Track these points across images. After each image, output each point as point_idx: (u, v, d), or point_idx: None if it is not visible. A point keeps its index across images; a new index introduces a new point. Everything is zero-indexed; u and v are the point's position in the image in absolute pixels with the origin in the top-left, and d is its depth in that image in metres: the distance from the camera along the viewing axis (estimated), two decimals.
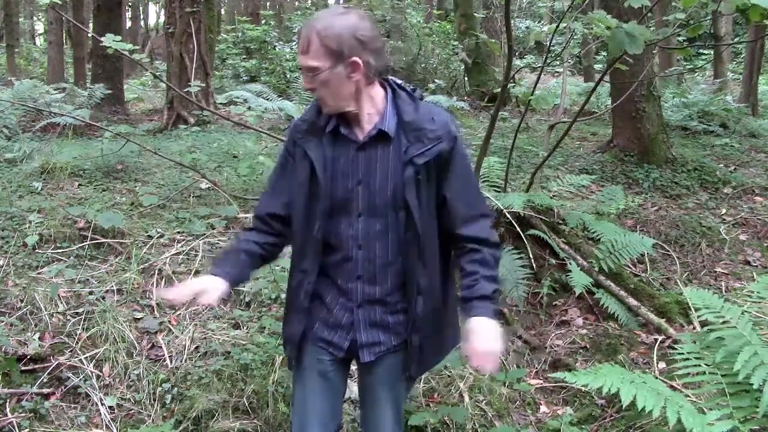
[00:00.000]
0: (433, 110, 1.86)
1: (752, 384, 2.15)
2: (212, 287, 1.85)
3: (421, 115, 1.82)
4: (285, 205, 1.94)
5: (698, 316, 2.90)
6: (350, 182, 1.83)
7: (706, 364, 2.36)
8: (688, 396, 2.92)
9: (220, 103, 8.48)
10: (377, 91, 1.84)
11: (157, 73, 8.95)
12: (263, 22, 18.32)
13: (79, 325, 3.27)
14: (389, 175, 1.81)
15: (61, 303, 3.40)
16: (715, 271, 5.04)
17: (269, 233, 1.97)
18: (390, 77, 1.89)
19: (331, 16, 1.74)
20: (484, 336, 1.78)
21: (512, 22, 4.53)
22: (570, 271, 4.16)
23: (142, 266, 3.79)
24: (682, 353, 2.44)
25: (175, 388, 2.97)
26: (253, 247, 1.96)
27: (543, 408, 3.33)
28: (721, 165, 7.44)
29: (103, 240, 4.02)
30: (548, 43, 5.49)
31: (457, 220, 1.86)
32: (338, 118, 1.84)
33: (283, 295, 3.55)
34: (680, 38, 6.13)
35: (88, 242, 3.97)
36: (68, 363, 3.03)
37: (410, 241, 1.83)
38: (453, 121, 1.86)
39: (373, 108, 1.82)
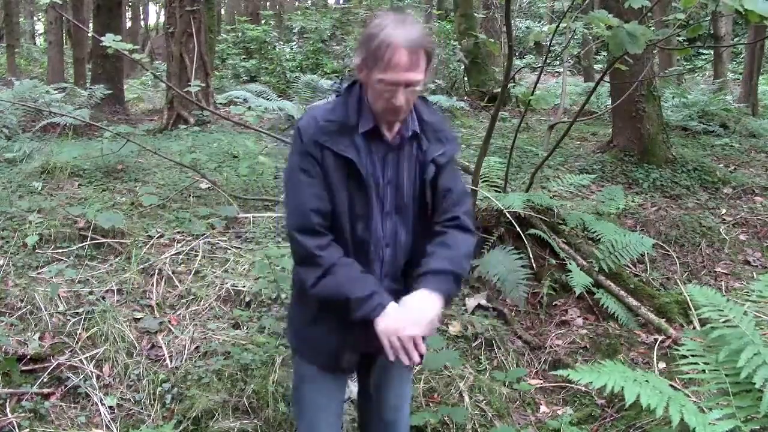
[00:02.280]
0: (436, 113, 1.93)
1: (754, 383, 2.15)
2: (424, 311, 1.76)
3: (436, 116, 1.90)
4: (325, 210, 1.82)
5: (699, 314, 2.90)
6: (382, 183, 1.84)
7: (705, 363, 2.35)
8: (689, 395, 2.92)
9: (220, 103, 8.47)
10: None
11: (157, 73, 8.96)
12: (263, 22, 18.33)
13: (79, 325, 3.27)
14: (414, 175, 1.86)
15: (61, 303, 3.39)
16: (715, 271, 5.04)
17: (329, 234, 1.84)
18: None
19: (411, 26, 1.70)
20: (409, 313, 1.74)
21: (512, 22, 4.53)
22: (570, 271, 4.16)
23: (142, 266, 3.79)
24: (684, 353, 2.43)
25: (175, 388, 2.97)
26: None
27: (543, 408, 3.32)
28: (721, 165, 7.45)
29: (103, 240, 4.01)
30: (548, 43, 5.49)
31: (445, 207, 1.90)
32: (376, 119, 1.81)
33: (284, 295, 3.55)
34: (680, 38, 6.12)
35: (88, 242, 3.97)
36: (68, 363, 3.03)
37: (420, 234, 1.90)
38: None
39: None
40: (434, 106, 1.99)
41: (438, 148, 1.85)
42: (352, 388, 2.91)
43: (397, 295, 1.88)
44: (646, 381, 2.15)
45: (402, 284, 1.92)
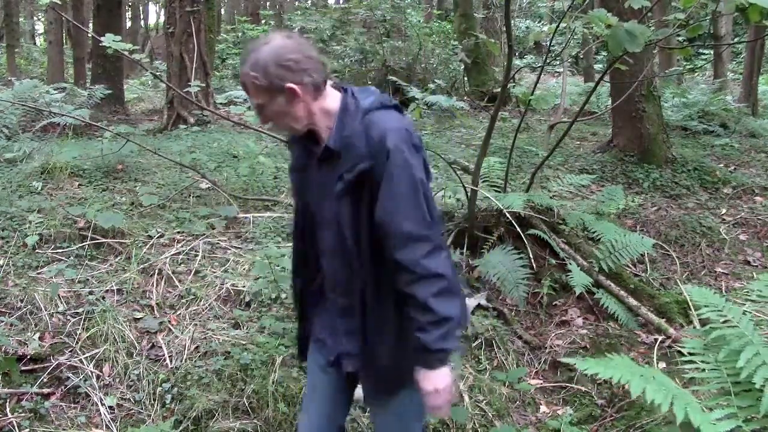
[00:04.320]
0: (372, 124, 1.73)
1: (754, 383, 2.15)
2: None
3: (356, 130, 1.72)
4: None
5: (698, 315, 2.90)
6: (314, 193, 1.87)
7: (705, 362, 2.35)
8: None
9: (220, 103, 8.47)
10: (332, 103, 1.79)
11: (157, 73, 8.96)
12: (263, 22, 18.33)
13: (79, 325, 3.27)
14: (331, 192, 1.79)
15: (61, 303, 3.39)
16: (715, 271, 5.04)
17: None
18: (350, 87, 1.83)
19: (253, 52, 1.72)
20: (426, 392, 1.79)
21: (512, 22, 4.53)
22: (570, 271, 4.16)
23: (142, 266, 3.79)
24: (685, 354, 2.43)
25: (175, 388, 2.97)
26: None
27: (543, 408, 3.32)
28: (721, 165, 7.44)
29: (103, 240, 4.01)
30: (548, 43, 5.48)
31: (389, 242, 1.72)
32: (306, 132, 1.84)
33: (284, 295, 3.58)
34: (680, 38, 6.12)
35: (88, 242, 3.97)
36: (68, 363, 3.03)
37: (354, 258, 1.80)
38: (398, 134, 1.71)
39: (331, 121, 1.78)
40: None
41: (345, 165, 1.72)
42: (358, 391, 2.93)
43: (350, 315, 1.86)
44: (653, 377, 2.15)
45: (359, 301, 1.83)
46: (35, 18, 27.37)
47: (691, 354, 2.41)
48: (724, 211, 6.10)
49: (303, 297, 2.05)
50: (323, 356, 2.00)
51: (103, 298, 3.48)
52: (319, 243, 1.90)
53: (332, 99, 1.80)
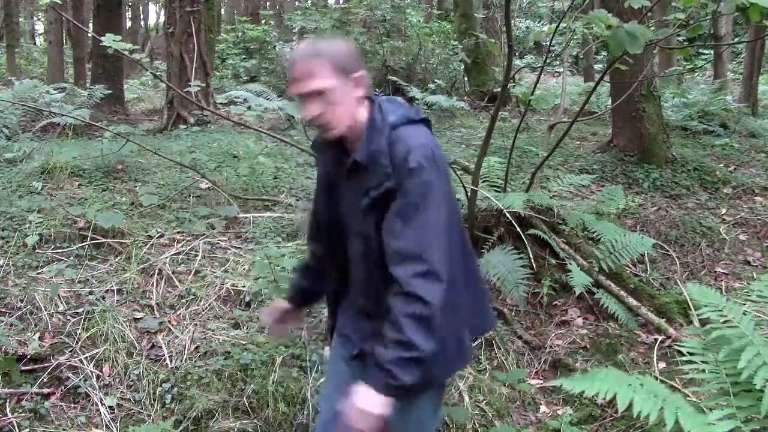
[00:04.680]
0: (398, 140, 1.73)
1: (755, 384, 2.14)
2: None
3: (382, 146, 1.72)
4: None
5: (698, 315, 2.90)
6: (344, 203, 1.88)
7: (703, 362, 2.35)
8: (688, 396, 2.92)
9: (220, 103, 8.47)
10: (363, 114, 1.79)
11: (157, 73, 8.96)
12: (263, 22, 18.35)
13: (79, 325, 3.27)
14: (358, 203, 1.80)
15: (61, 303, 3.39)
16: (715, 271, 5.04)
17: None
18: (377, 97, 1.83)
19: (321, 41, 1.74)
20: (348, 405, 1.69)
21: (512, 22, 4.52)
22: (570, 271, 4.16)
23: (142, 266, 3.79)
24: (684, 353, 2.43)
25: (175, 388, 2.97)
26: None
27: (543, 408, 3.33)
28: (721, 165, 7.44)
29: (103, 240, 4.01)
30: (548, 43, 5.48)
31: (389, 257, 1.72)
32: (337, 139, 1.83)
33: (283, 295, 3.58)
34: (680, 38, 6.12)
35: (88, 242, 3.97)
36: (68, 363, 3.03)
37: (375, 268, 1.82)
38: (422, 151, 1.70)
39: (360, 132, 1.79)
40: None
41: (373, 181, 1.73)
42: None
43: (375, 319, 1.85)
44: (641, 385, 2.14)
45: (380, 307, 1.81)
46: (35, 18, 27.37)
47: (690, 354, 2.41)
48: (724, 211, 6.10)
49: (330, 293, 2.12)
50: (347, 350, 2.04)
51: (103, 298, 3.48)
52: (348, 249, 1.92)
53: (365, 110, 1.80)
